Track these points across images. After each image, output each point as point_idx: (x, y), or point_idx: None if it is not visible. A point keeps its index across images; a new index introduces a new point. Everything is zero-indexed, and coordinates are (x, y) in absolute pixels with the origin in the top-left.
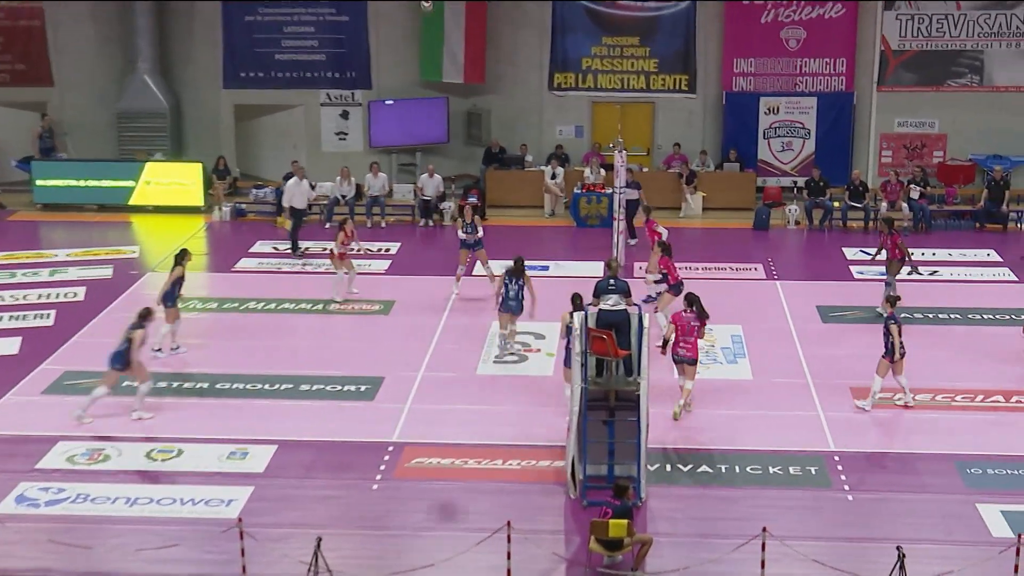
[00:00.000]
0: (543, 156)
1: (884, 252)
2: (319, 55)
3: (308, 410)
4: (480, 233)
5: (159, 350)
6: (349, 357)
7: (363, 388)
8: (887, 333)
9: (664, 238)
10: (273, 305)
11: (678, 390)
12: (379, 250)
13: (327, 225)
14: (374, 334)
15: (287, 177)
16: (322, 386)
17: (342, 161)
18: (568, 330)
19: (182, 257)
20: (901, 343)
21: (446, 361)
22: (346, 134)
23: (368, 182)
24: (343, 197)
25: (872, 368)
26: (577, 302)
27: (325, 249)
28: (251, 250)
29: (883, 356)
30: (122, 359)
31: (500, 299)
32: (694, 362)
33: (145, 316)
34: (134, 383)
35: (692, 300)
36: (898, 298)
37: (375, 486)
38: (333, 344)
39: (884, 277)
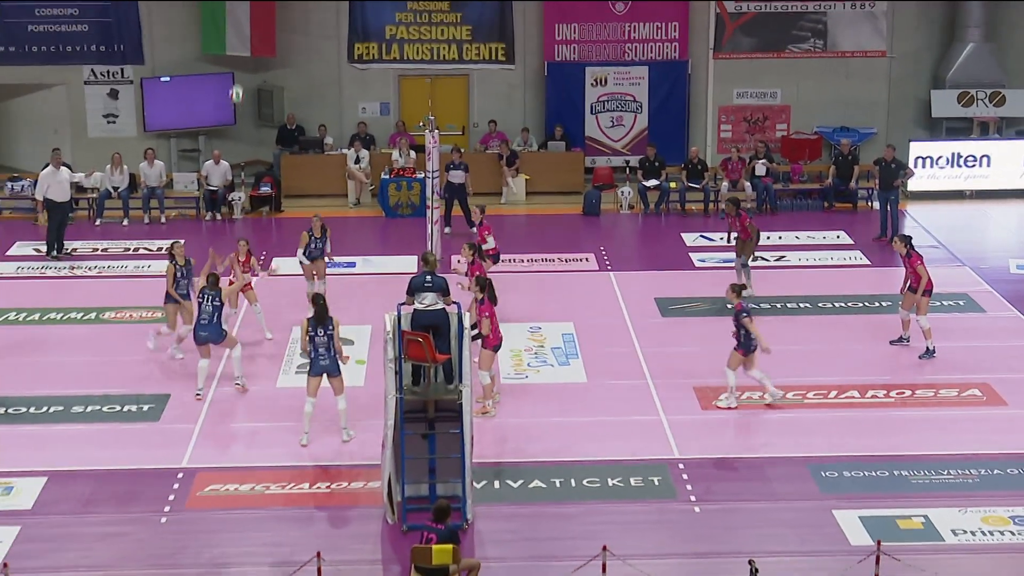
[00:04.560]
0: (345, 138)
1: (734, 235)
2: (81, 25)
3: (83, 435)
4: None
5: None
6: (129, 372)
7: (146, 408)
8: (739, 326)
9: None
10: (37, 316)
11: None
12: (158, 249)
13: (97, 222)
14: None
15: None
16: (98, 407)
17: (113, 148)
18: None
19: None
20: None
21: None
22: (116, 116)
23: (143, 171)
24: (115, 189)
25: (721, 364)
26: (320, 304)
27: (96, 250)
28: (8, 253)
29: (735, 349)
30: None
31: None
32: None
33: (215, 283)
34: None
35: (485, 285)
36: (743, 287)
37: (164, 519)
38: (110, 358)
39: (731, 264)
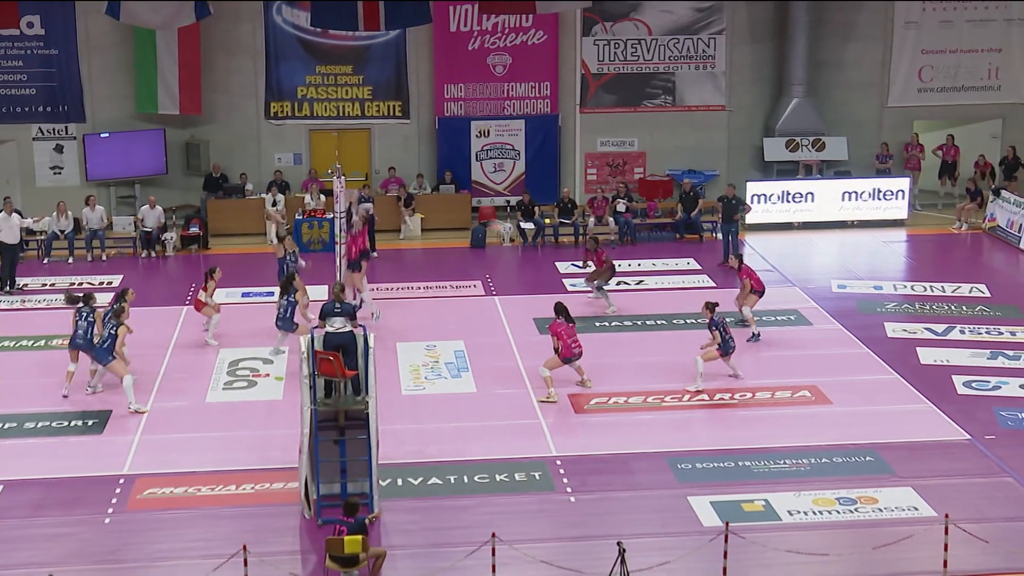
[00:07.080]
0: (263, 184)
1: (590, 264)
2: (29, 89)
3: (34, 448)
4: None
5: None
6: (74, 392)
7: (91, 423)
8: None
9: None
10: None
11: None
12: (101, 283)
13: (45, 261)
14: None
15: None
16: (48, 423)
17: (59, 195)
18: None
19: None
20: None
21: (175, 391)
22: (61, 168)
23: (85, 216)
24: (61, 232)
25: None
26: (284, 280)
27: (44, 284)
28: None
29: (716, 349)
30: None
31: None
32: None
33: (120, 312)
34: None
35: (560, 310)
36: (716, 304)
37: (107, 520)
38: (58, 380)
39: (588, 289)
